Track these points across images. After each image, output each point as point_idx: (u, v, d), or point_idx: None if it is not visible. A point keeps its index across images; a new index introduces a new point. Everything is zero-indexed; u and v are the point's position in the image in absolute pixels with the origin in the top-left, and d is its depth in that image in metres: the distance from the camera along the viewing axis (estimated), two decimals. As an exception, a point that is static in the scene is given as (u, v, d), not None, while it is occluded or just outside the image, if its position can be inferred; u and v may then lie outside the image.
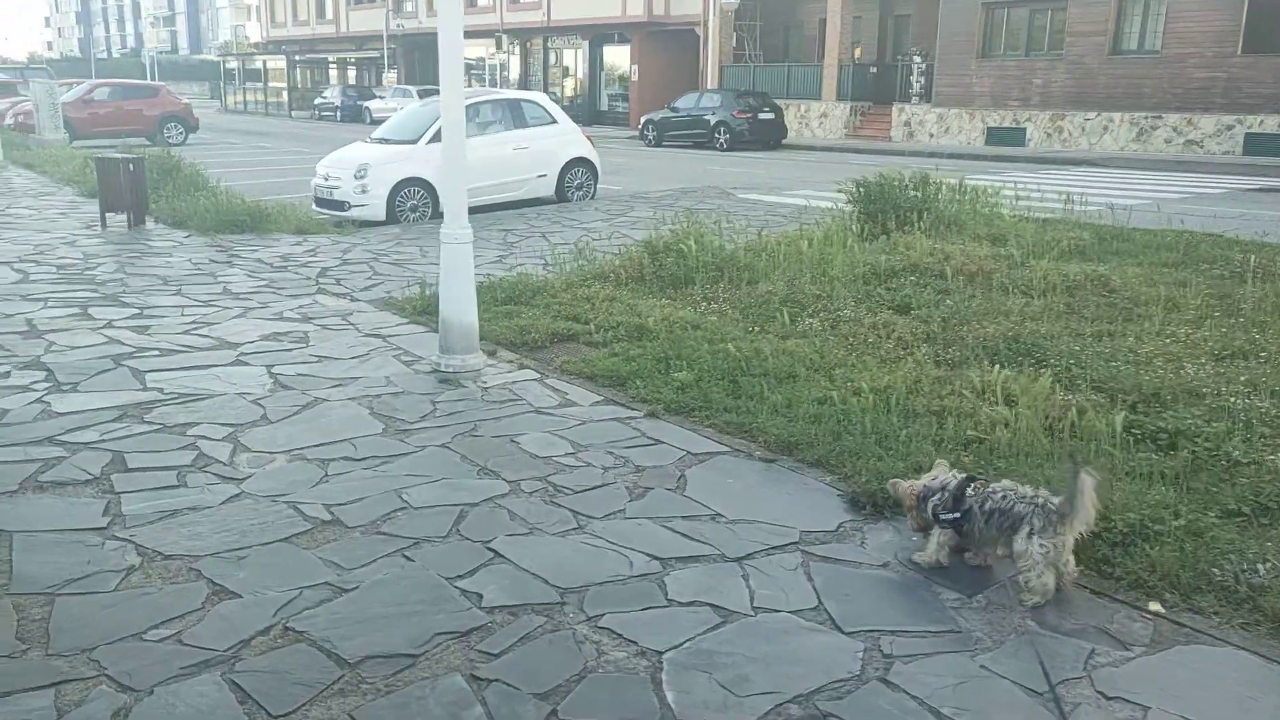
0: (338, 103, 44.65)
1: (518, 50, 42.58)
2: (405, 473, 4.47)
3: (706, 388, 5.65)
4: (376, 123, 39.49)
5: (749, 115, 27.27)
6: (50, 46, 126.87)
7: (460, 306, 6.17)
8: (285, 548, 3.70)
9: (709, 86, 32.39)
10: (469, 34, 44.23)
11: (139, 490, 4.16)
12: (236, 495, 4.15)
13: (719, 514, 4.10)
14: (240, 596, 3.32)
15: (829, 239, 8.89)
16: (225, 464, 4.49)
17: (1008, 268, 8.15)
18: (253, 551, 3.65)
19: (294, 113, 48.31)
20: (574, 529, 3.94)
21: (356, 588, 3.41)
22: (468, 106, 14.29)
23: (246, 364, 6.09)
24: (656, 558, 3.69)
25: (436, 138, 13.44)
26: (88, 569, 3.47)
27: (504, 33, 41.85)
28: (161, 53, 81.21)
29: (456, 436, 4.96)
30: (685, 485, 4.40)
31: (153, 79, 51.49)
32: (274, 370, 5.97)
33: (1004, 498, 3.53)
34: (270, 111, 50.03)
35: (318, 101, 46.78)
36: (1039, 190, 12.45)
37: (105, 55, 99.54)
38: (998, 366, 5.48)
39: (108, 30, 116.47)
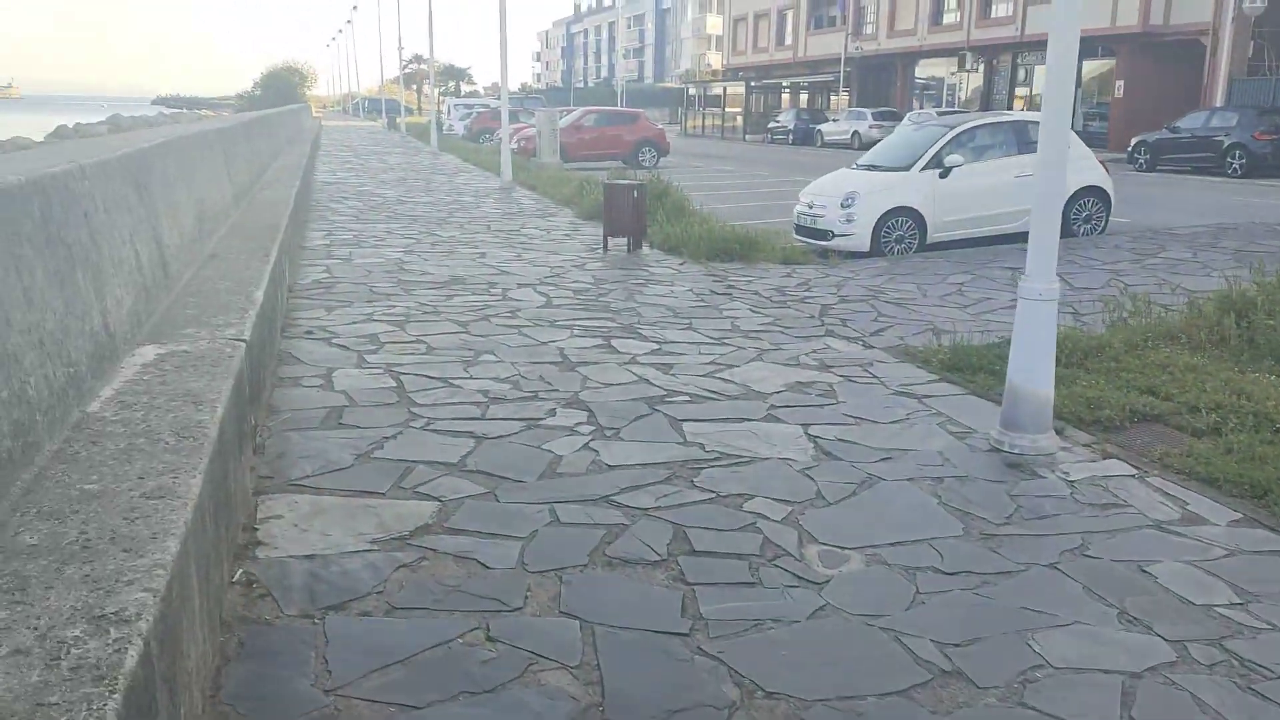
0: (790, 126, 45.32)
1: (981, 68, 40.24)
2: (1019, 604, 3.51)
3: None
4: (827, 145, 39.61)
5: (1274, 136, 23.09)
6: (538, 78, 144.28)
7: (1036, 376, 5.13)
8: (909, 707, 2.89)
9: (1215, 103, 28.04)
10: (929, 53, 42.98)
11: (712, 584, 3.60)
12: (822, 608, 3.44)
13: None
14: (881, 786, 2.55)
15: None
16: (795, 557, 3.82)
17: None
18: (870, 707, 2.88)
19: (747, 136, 49.83)
20: (1313, 749, 2.73)
21: (1028, 801, 2.50)
22: (962, 132, 13.15)
23: (780, 420, 5.51)
24: None
25: (931, 164, 12.46)
26: (685, 700, 2.89)
27: (969, 50, 39.78)
28: (629, 81, 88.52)
29: (1064, 554, 3.92)
30: None
31: (621, 105, 56.02)
32: (810, 431, 5.32)
33: None
34: (725, 135, 52.05)
35: (771, 125, 47.83)
36: None
37: (582, 84, 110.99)
38: None
39: (585, 62, 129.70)
